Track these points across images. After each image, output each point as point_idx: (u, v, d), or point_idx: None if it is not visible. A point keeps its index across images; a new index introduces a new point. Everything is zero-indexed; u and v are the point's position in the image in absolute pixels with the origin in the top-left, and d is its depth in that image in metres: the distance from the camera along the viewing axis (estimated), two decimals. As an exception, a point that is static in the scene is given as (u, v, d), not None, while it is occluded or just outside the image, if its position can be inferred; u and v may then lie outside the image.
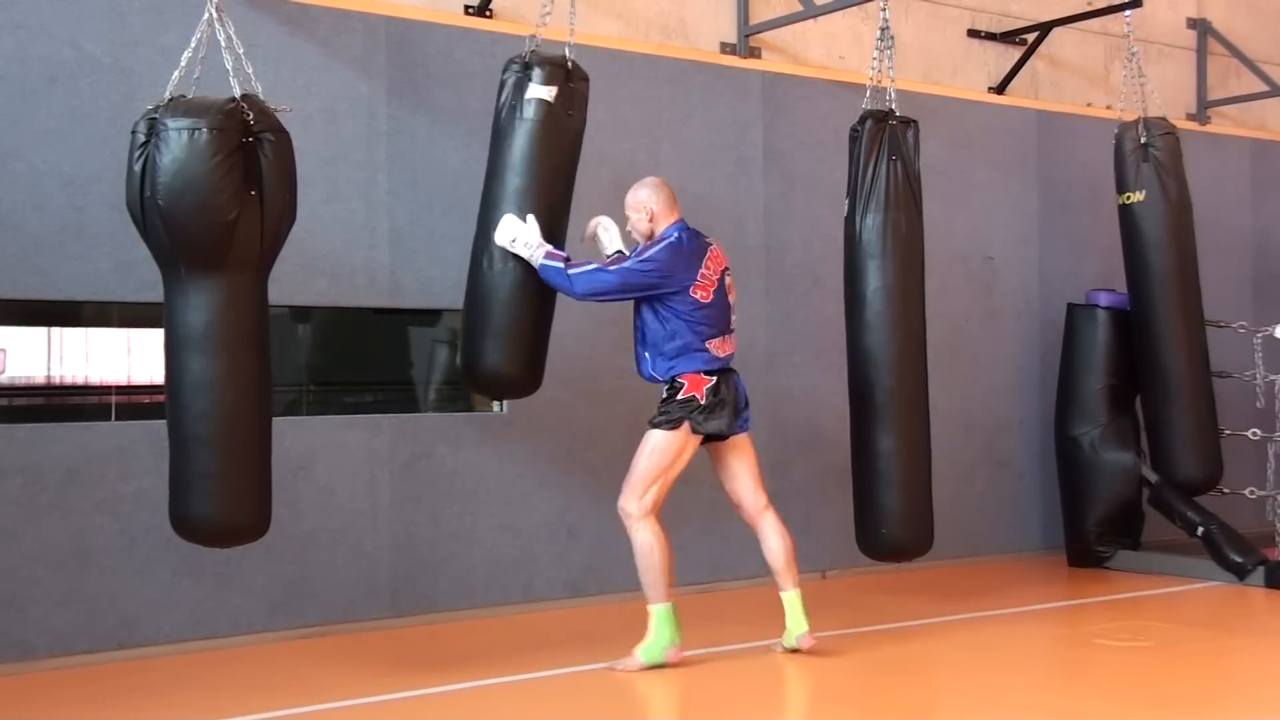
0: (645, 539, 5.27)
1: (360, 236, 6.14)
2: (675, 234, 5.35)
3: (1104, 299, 7.84)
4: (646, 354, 5.38)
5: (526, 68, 5.51)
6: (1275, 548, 7.35)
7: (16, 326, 5.73)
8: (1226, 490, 7.68)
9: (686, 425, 5.27)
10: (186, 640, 5.59)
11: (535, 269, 5.28)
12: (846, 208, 6.14)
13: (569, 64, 5.56)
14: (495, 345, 5.44)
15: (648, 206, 5.42)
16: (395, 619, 6.09)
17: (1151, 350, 7.51)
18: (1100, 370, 7.74)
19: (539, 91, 5.48)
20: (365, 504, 6.07)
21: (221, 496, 4.67)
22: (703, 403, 5.27)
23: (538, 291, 5.41)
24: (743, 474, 5.50)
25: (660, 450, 5.28)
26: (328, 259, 6.03)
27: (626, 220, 5.51)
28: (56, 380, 5.94)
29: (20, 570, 5.30)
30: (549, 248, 5.28)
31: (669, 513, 6.77)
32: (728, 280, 5.45)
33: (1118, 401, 7.74)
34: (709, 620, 5.84)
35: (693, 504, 6.78)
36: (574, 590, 6.60)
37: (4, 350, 5.82)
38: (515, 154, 5.49)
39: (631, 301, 5.40)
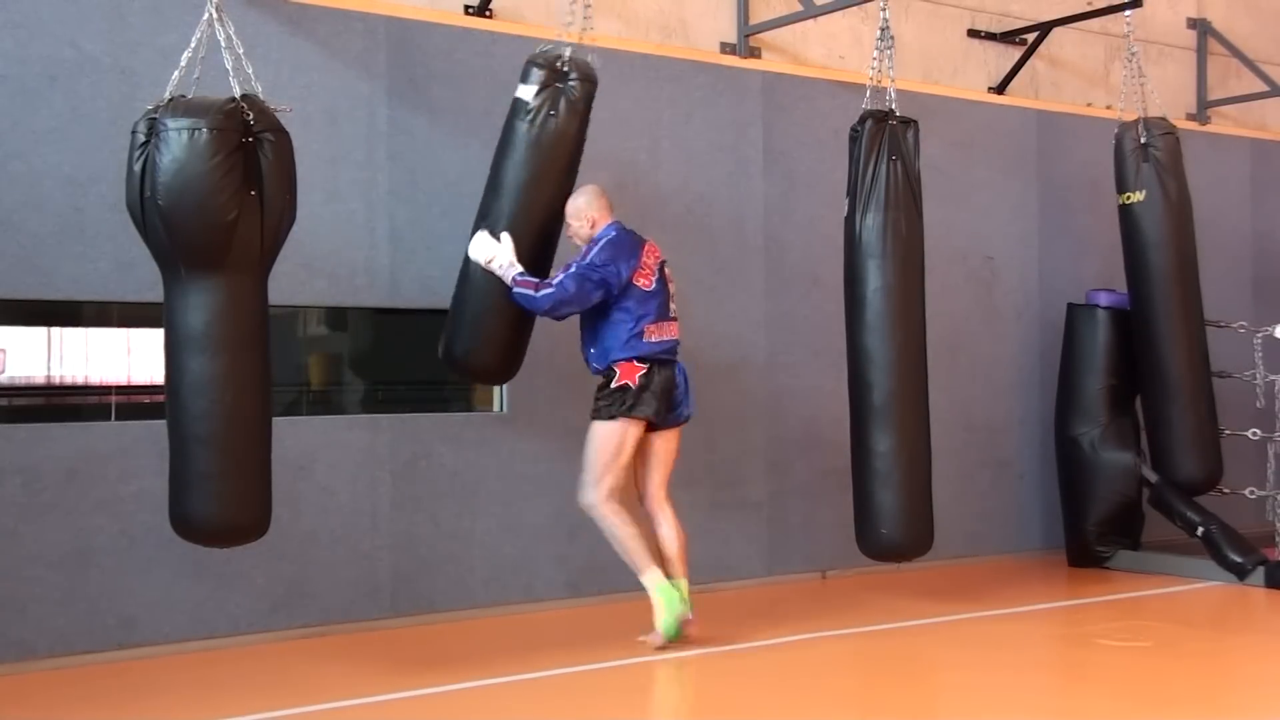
0: (609, 522, 5.54)
1: (360, 236, 6.14)
2: (613, 232, 5.64)
3: (1104, 299, 7.84)
4: (591, 349, 5.65)
5: (526, 68, 5.59)
6: (1275, 548, 7.35)
7: (16, 326, 5.72)
8: (1226, 490, 7.68)
9: (620, 418, 5.52)
10: (186, 640, 5.59)
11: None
12: (846, 208, 6.14)
13: (559, 64, 5.58)
14: (471, 333, 5.67)
15: (588, 214, 5.68)
16: (395, 619, 6.09)
17: (1151, 350, 7.51)
18: (1100, 370, 7.74)
19: (518, 90, 5.65)
20: (365, 504, 6.07)
21: (221, 496, 4.68)
22: (633, 387, 5.50)
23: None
24: (658, 466, 5.72)
25: (603, 440, 5.55)
26: (328, 259, 6.03)
27: (567, 228, 5.74)
28: (56, 380, 5.94)
29: (20, 570, 5.30)
30: (518, 270, 5.52)
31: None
32: (666, 271, 5.73)
33: (1118, 401, 7.74)
34: (709, 620, 5.84)
35: (693, 504, 6.79)
36: (574, 590, 6.60)
37: (4, 350, 5.82)
38: (499, 156, 5.68)
39: None
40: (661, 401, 5.58)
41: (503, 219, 5.60)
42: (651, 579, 5.51)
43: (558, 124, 5.60)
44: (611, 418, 5.53)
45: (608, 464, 5.54)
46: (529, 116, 5.59)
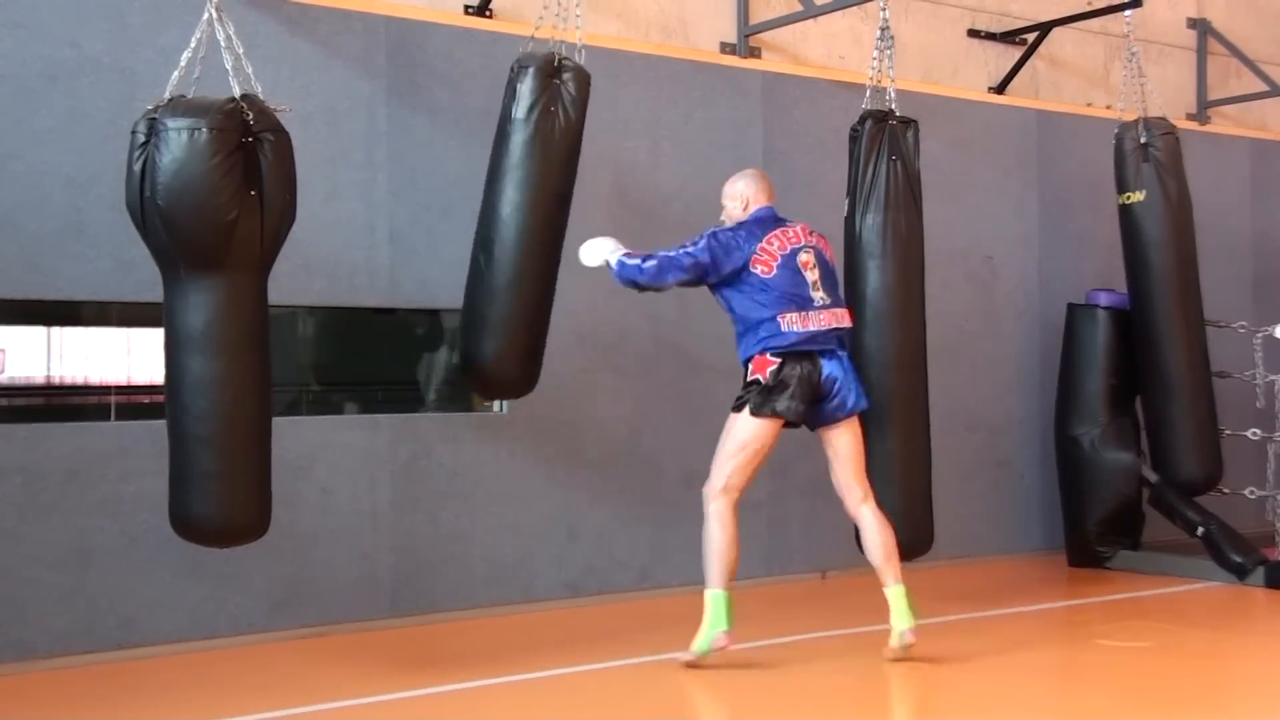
0: (711, 521, 5.31)
1: (360, 236, 6.13)
2: (757, 216, 5.44)
3: (1104, 299, 7.84)
4: (738, 341, 5.43)
5: (520, 68, 5.56)
6: (1275, 548, 7.35)
7: (16, 326, 5.73)
8: (1226, 490, 7.67)
9: (746, 409, 5.31)
10: (186, 640, 5.59)
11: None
12: (846, 208, 6.14)
13: (556, 61, 5.58)
14: (493, 344, 5.53)
15: (744, 195, 5.50)
16: (395, 619, 6.09)
17: (1151, 350, 7.51)
18: (1100, 370, 7.74)
19: (515, 94, 5.60)
20: (365, 504, 6.07)
21: (221, 496, 4.67)
22: (764, 382, 5.28)
23: (534, 292, 5.45)
24: (837, 465, 5.45)
25: (730, 432, 5.36)
26: (328, 259, 6.03)
27: (722, 209, 5.57)
28: (56, 380, 5.94)
29: (20, 570, 5.30)
30: (624, 250, 5.40)
31: (666, 509, 6.80)
32: (803, 257, 5.37)
33: (1118, 401, 7.74)
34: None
35: (692, 504, 6.79)
36: (574, 590, 6.60)
37: (4, 350, 5.82)
38: (500, 155, 5.63)
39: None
40: (802, 398, 5.27)
41: (506, 225, 5.57)
42: (711, 594, 5.25)
43: (560, 121, 5.58)
44: (739, 410, 5.33)
45: (729, 456, 5.32)
46: (526, 117, 5.55)
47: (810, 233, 5.48)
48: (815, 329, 5.32)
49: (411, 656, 5.57)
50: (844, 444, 5.43)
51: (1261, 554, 7.17)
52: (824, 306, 5.37)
